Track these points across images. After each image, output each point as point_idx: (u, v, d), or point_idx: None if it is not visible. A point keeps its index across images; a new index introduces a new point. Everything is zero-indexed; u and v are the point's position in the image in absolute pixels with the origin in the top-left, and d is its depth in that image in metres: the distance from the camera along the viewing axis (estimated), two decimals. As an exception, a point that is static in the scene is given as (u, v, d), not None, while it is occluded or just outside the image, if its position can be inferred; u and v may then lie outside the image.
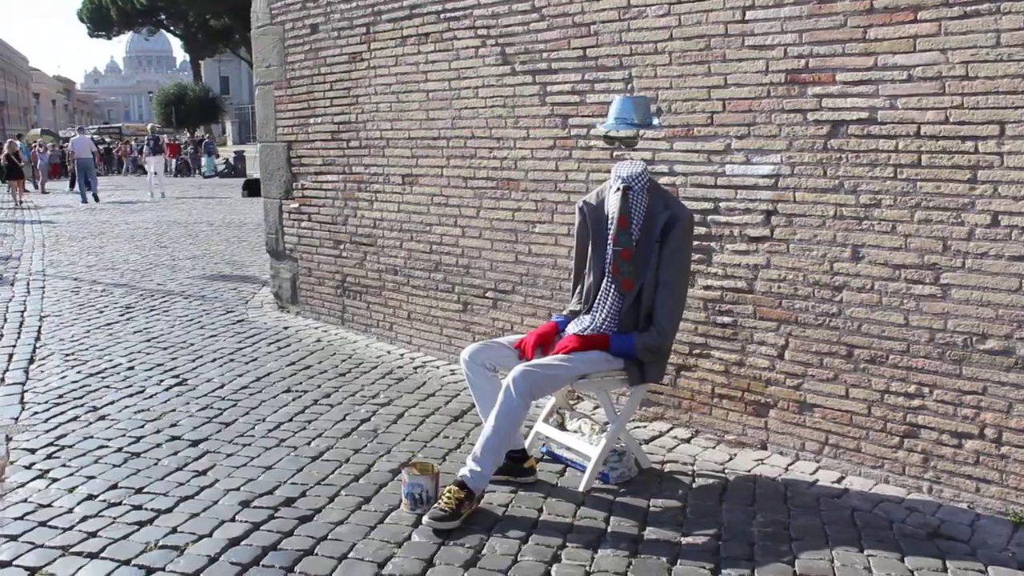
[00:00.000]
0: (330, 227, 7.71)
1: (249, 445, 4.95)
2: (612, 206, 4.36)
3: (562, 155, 5.62)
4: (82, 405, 5.68)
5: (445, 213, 6.52)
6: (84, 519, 4.08)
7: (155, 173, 26.09)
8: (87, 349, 7.13)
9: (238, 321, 8.12)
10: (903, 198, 4.20)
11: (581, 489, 4.32)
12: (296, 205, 8.07)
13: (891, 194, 4.23)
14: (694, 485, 4.42)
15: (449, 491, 4.00)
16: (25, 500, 4.28)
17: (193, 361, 6.72)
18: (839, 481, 4.44)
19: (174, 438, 5.07)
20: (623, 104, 4.43)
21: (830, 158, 4.41)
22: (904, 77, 4.15)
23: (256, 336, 7.52)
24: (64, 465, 4.71)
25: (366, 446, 4.93)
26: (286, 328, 7.79)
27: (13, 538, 3.91)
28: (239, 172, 35.03)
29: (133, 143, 44.59)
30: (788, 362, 4.68)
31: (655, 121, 4.57)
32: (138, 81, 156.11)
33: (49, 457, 4.83)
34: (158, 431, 5.18)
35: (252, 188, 22.47)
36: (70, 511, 4.17)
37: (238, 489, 4.37)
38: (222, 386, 6.06)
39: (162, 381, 6.19)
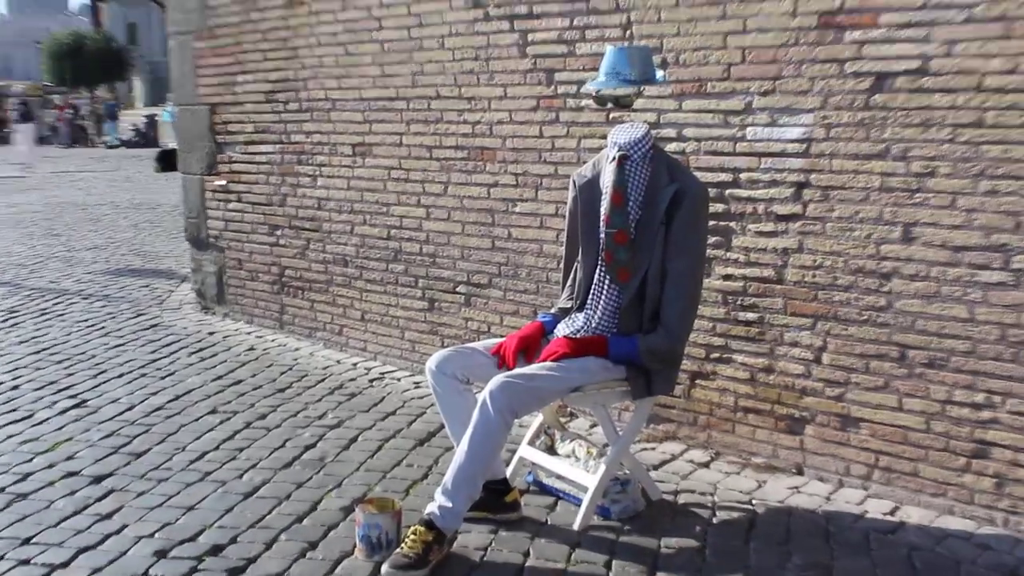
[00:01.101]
0: (264, 209, 7.70)
1: (166, 480, 4.94)
2: (607, 179, 4.38)
3: (547, 118, 5.63)
4: (-41, 434, 5.66)
5: (405, 191, 6.52)
6: (-38, 576, 4.07)
7: (25, 143, 26.41)
8: (-36, 364, 7.11)
9: (151, 326, 8.10)
10: (964, 165, 4.23)
11: (576, 527, 4.34)
12: (222, 182, 8.05)
13: (949, 160, 4.26)
14: (715, 520, 4.45)
15: (414, 532, 4.00)
16: None
17: (95, 377, 6.70)
18: (892, 512, 4.47)
19: (71, 474, 5.05)
20: (616, 56, 4.43)
21: (873, 117, 4.44)
22: (963, 18, 4.17)
23: (174, 344, 7.50)
24: (-63, 509, 4.69)
25: (311, 479, 4.94)
26: (211, 334, 7.78)
27: None
28: (151, 141, 34.91)
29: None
30: (827, 367, 4.71)
31: (659, 75, 4.58)
32: (24, 28, 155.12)
33: (-82, 499, 4.81)
34: (51, 465, 5.16)
35: (167, 161, 22.36)
36: (-56, 566, 4.15)
37: (152, 535, 4.36)
38: (131, 408, 6.04)
39: (55, 403, 6.16)
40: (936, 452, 4.43)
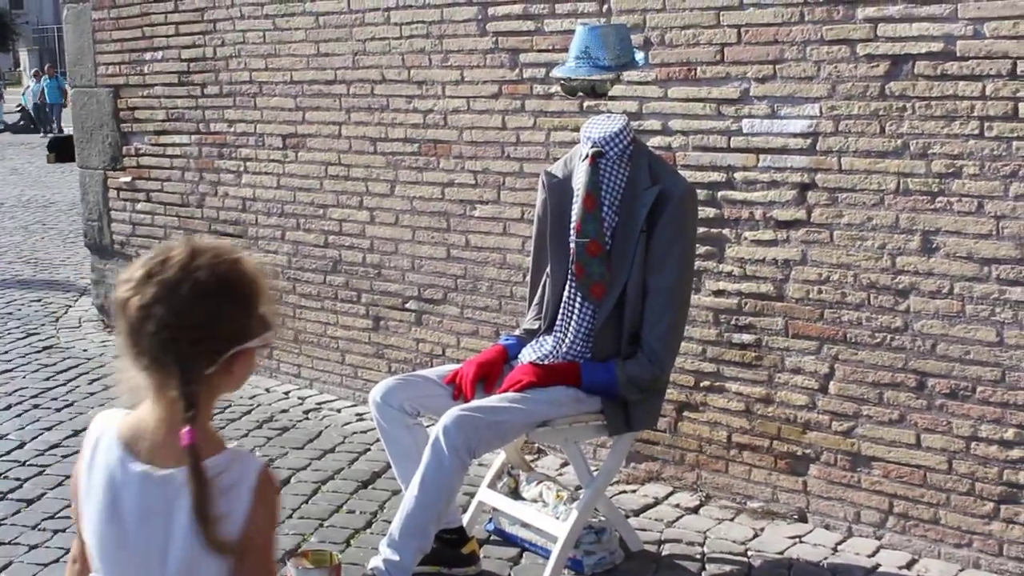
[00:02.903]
0: (179, 210, 7.73)
1: (63, 531, 4.96)
2: (578, 180, 4.47)
3: (511, 106, 5.71)
4: None
5: (346, 190, 6.58)
6: None
7: None
8: None
9: (44, 348, 8.11)
10: (993, 164, 4.31)
11: (544, 584, 4.41)
12: (128, 179, 8.07)
13: (976, 159, 4.35)
14: (704, 574, 4.52)
15: (355, 591, 4.07)
16: None
17: (-21, 409, 6.73)
18: (909, 566, 4.56)
19: (-47, 523, 5.09)
20: (588, 36, 4.47)
21: (889, 109, 4.52)
22: (992, -7, 4.27)
23: (72, 370, 7.51)
24: None
25: (234, 528, 4.98)
26: (117, 357, 7.74)
27: None
28: (42, 126, 34.67)
29: None
30: (834, 397, 4.80)
31: (639, 58, 4.66)
32: None
33: None
34: (-71, 513, 5.19)
35: (62, 150, 22.27)
36: None
37: (48, 595, 4.42)
38: (21, 445, 6.07)
39: (-67, 439, 6.18)
40: (959, 496, 4.52)
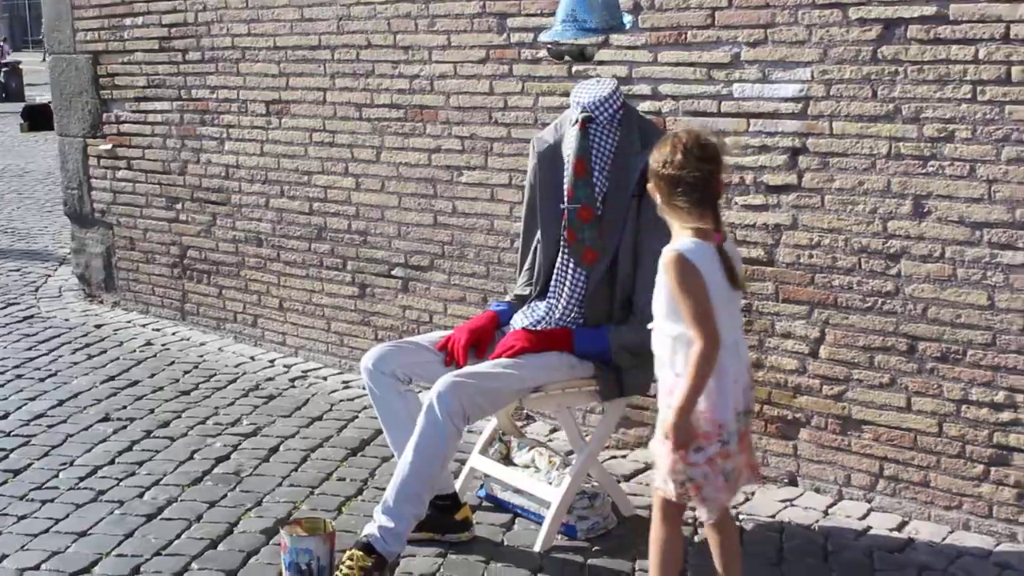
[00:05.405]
0: (161, 178, 7.69)
1: (51, 501, 4.95)
2: (569, 146, 4.46)
3: (499, 71, 5.69)
4: None
5: (331, 156, 6.56)
6: None
7: None
8: None
9: (25, 318, 8.07)
10: (985, 128, 4.32)
11: (538, 548, 4.41)
12: (109, 146, 8.03)
13: (968, 123, 4.36)
14: (696, 538, 4.52)
15: (351, 558, 4.05)
16: None
17: (-39, 379, 6.71)
18: (900, 528, 4.59)
19: (-60, 493, 5.07)
20: None
21: (881, 73, 4.53)
22: (984, -44, 4.27)
23: (53, 340, 7.49)
24: None
25: (226, 496, 4.98)
26: (99, 327, 7.77)
27: None
28: (14, 94, 34.42)
29: None
30: (825, 362, 4.82)
31: (627, 21, 4.64)
32: None
33: None
34: (-85, 484, 5.18)
35: (37, 119, 22.13)
36: None
37: (37, 567, 4.37)
38: (5, 416, 6.04)
39: (-84, 410, 6.17)
40: (949, 459, 4.55)
